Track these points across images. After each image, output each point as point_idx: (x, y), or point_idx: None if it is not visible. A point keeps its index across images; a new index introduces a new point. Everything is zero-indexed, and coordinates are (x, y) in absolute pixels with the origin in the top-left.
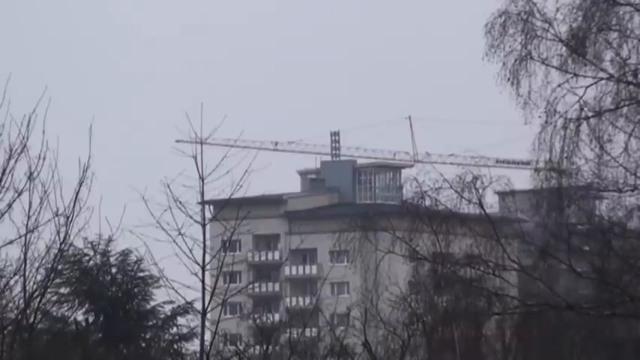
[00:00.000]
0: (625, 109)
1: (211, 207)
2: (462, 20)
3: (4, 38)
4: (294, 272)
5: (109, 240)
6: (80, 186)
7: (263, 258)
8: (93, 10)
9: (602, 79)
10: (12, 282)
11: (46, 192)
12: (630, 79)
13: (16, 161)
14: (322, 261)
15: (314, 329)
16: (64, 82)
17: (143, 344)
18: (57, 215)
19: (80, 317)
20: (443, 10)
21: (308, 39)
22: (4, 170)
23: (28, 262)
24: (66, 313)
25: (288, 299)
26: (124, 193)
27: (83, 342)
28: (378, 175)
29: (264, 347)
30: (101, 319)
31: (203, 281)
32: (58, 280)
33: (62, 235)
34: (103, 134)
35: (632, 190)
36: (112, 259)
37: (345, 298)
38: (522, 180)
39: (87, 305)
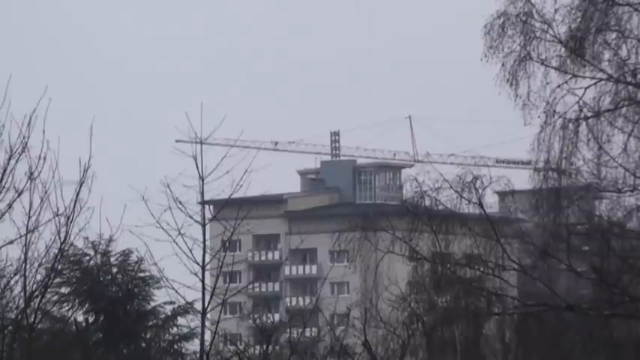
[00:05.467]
0: (624, 110)
1: (211, 207)
2: (461, 20)
3: (4, 38)
4: (294, 272)
5: (110, 240)
6: (80, 186)
7: (263, 258)
8: (93, 10)
9: (601, 79)
10: (12, 282)
11: (46, 192)
12: (629, 79)
13: (16, 161)
14: (322, 261)
15: (314, 329)
16: (64, 82)
17: (143, 344)
18: (57, 215)
19: (80, 317)
20: (443, 11)
21: (308, 39)
22: (4, 170)
23: (28, 262)
24: (66, 313)
25: (288, 299)
26: (124, 193)
27: (83, 342)
28: (378, 175)
29: (264, 347)
30: (101, 319)
31: (203, 281)
32: (58, 280)
33: (62, 235)
34: (103, 134)
35: (632, 191)
36: (112, 259)
37: (345, 298)
38: (522, 180)
39: (87, 305)
